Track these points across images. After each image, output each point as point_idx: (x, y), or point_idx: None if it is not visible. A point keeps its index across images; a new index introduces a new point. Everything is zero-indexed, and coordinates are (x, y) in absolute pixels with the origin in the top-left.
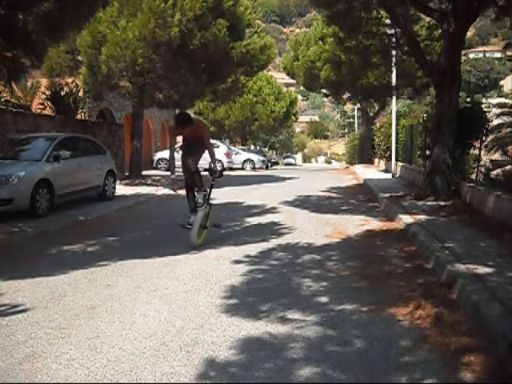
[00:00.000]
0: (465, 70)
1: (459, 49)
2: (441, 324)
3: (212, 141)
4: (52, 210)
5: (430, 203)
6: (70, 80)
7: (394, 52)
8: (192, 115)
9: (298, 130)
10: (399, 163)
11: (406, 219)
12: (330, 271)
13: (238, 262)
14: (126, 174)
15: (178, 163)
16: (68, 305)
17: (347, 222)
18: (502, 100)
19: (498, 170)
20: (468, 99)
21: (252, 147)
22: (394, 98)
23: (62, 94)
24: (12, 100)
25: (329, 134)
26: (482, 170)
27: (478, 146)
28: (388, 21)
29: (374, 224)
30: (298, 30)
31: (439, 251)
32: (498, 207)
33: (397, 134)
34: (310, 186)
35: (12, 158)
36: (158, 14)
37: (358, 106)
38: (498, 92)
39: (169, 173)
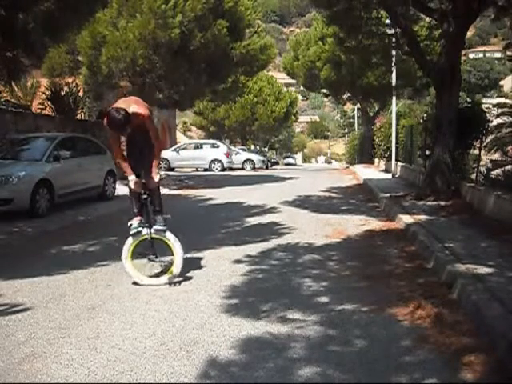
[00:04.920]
0: (465, 70)
1: (459, 49)
2: (441, 324)
3: (212, 141)
4: (52, 210)
5: (430, 203)
6: (70, 80)
7: (393, 52)
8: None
9: (297, 130)
10: (399, 163)
11: (406, 219)
12: (330, 271)
13: (238, 261)
14: None
15: (180, 163)
16: (68, 305)
17: (347, 222)
18: (502, 100)
19: (498, 170)
20: (468, 99)
21: (252, 147)
22: (394, 98)
23: (62, 93)
24: (12, 100)
25: (329, 133)
26: (482, 170)
27: (478, 146)
28: (388, 21)
29: (374, 224)
30: (297, 30)
31: (439, 251)
32: (498, 207)
33: (397, 134)
34: (310, 186)
35: (12, 158)
36: (158, 14)
37: (358, 105)
38: (498, 92)
39: (170, 173)
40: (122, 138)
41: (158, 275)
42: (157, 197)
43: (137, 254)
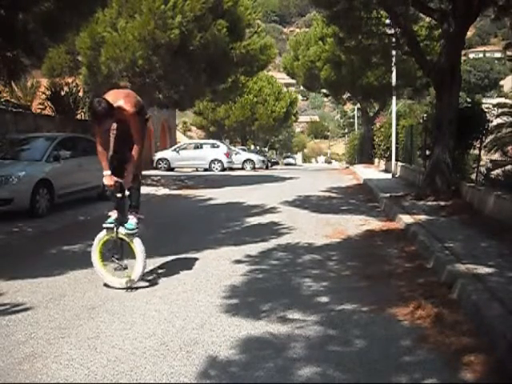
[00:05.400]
0: (465, 70)
1: (459, 49)
2: (441, 324)
3: (212, 141)
4: (52, 209)
5: (430, 203)
6: (70, 80)
7: (394, 52)
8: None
9: (298, 130)
10: (399, 163)
11: (406, 219)
12: (330, 271)
13: (238, 261)
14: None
15: (180, 163)
16: (68, 305)
17: (347, 221)
18: (502, 100)
19: (498, 170)
20: (468, 99)
21: (252, 147)
22: (394, 98)
23: (62, 93)
24: (12, 100)
25: (329, 133)
26: (482, 170)
27: (478, 146)
28: (388, 21)
29: (374, 224)
30: (297, 30)
31: (439, 251)
32: (498, 207)
33: (397, 134)
34: (309, 186)
35: (12, 158)
36: (157, 15)
37: (358, 105)
38: (498, 92)
39: (170, 173)
40: (114, 130)
41: (118, 276)
42: (135, 192)
43: (106, 249)
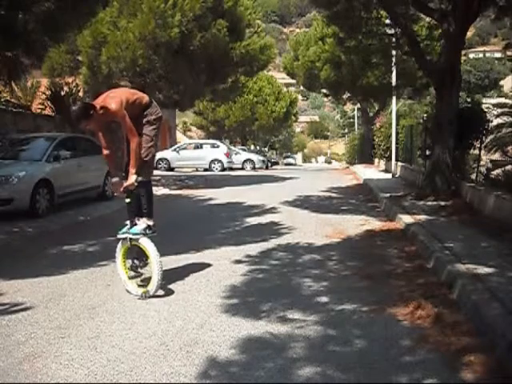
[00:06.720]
0: (465, 70)
1: (459, 49)
2: (441, 324)
3: (212, 141)
4: (52, 210)
5: (430, 203)
6: (70, 80)
7: (394, 52)
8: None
9: (298, 130)
10: (399, 163)
11: (406, 219)
12: (330, 271)
13: (238, 261)
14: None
15: (180, 163)
16: (68, 305)
17: (347, 221)
18: (502, 100)
19: (498, 170)
20: (468, 99)
21: (252, 147)
22: (394, 98)
23: (62, 93)
24: (12, 100)
25: (329, 134)
26: (482, 170)
27: (478, 146)
28: (388, 21)
29: (374, 224)
30: (297, 30)
31: (439, 251)
32: (498, 207)
33: (397, 134)
34: (310, 186)
35: (12, 158)
36: (158, 14)
37: (358, 106)
38: (498, 92)
39: (170, 173)
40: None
41: (138, 285)
42: (145, 196)
43: (128, 259)
